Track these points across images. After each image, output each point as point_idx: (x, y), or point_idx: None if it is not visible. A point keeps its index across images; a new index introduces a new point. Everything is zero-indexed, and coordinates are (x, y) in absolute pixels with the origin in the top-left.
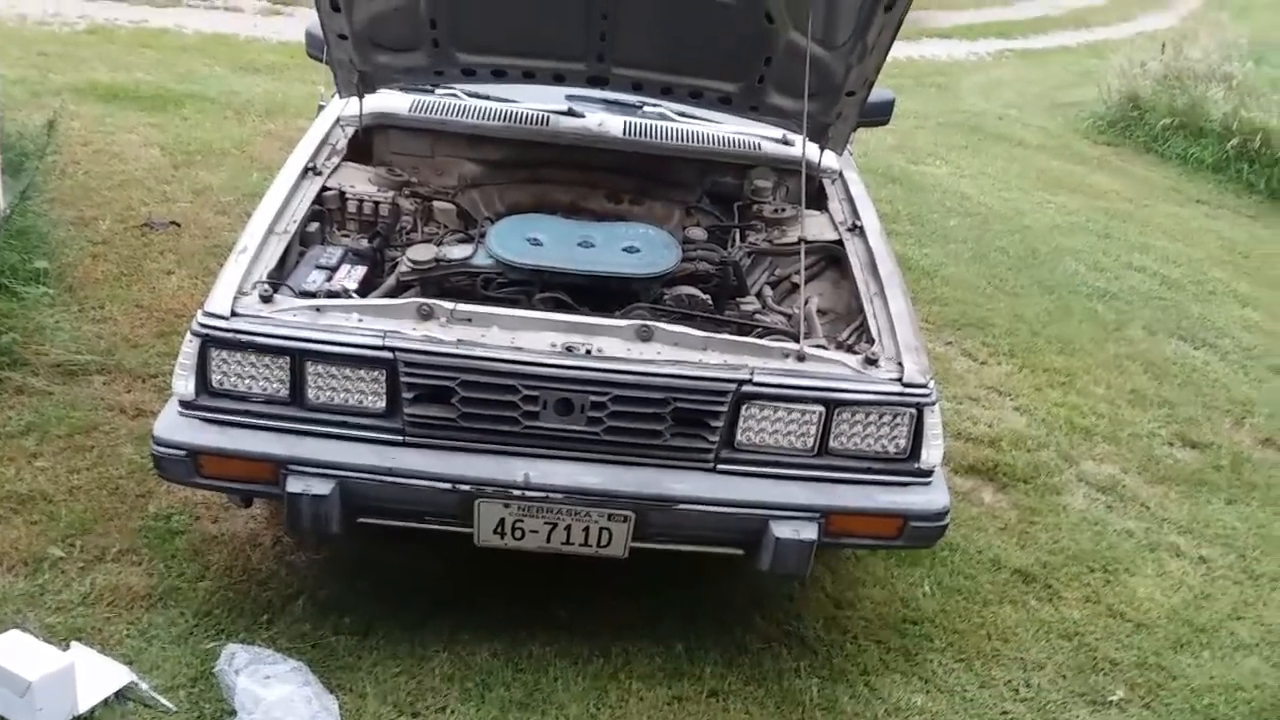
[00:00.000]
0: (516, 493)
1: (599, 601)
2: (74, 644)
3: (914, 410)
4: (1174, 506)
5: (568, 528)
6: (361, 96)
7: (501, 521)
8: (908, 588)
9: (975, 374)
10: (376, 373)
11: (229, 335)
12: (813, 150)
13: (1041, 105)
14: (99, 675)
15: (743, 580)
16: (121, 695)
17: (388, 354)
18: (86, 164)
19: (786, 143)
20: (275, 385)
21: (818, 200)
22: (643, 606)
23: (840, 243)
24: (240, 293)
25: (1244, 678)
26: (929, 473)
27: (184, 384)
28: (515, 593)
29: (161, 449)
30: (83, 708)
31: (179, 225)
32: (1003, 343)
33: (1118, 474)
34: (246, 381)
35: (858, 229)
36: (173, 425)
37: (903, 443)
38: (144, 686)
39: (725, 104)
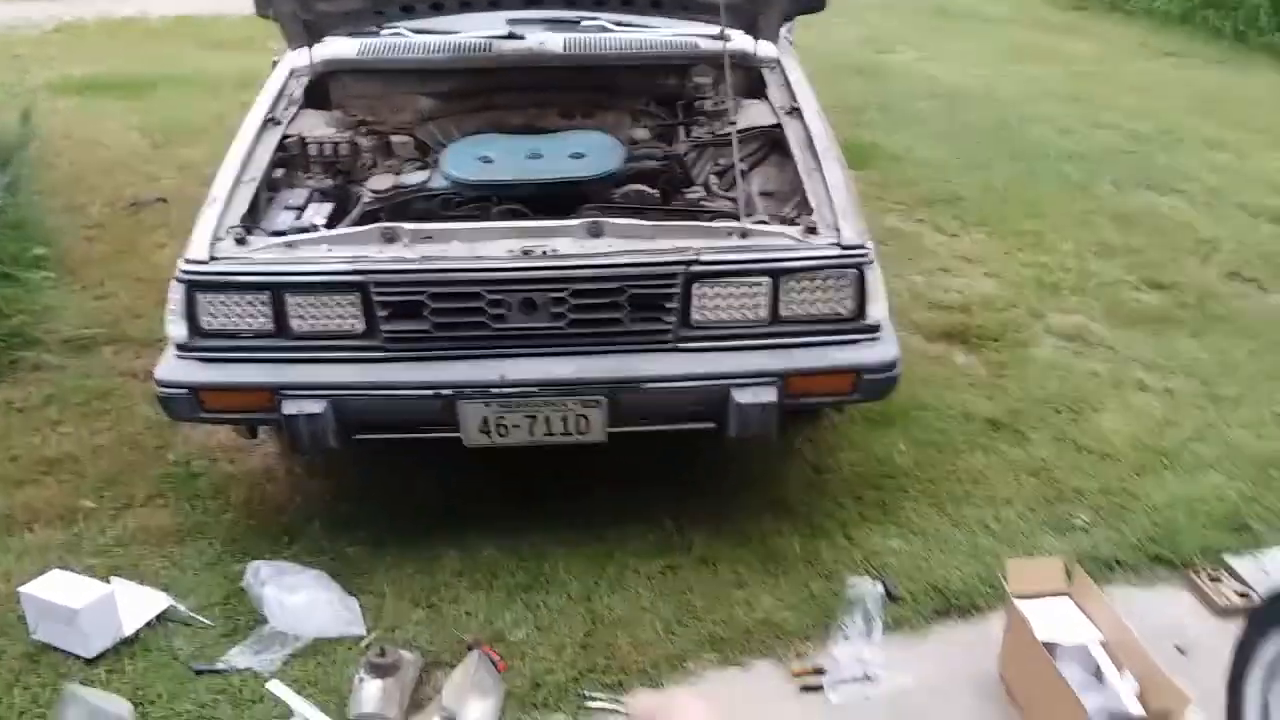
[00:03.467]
0: (495, 391)
1: (591, 492)
2: (113, 578)
3: (855, 270)
4: (1140, 345)
5: (547, 419)
6: (310, 46)
7: (485, 420)
8: (883, 448)
9: (947, 246)
10: (351, 297)
11: (211, 278)
12: (747, 41)
13: None
14: (140, 602)
15: (728, 458)
16: (162, 618)
17: (359, 278)
18: (70, 154)
19: (724, 38)
20: (260, 320)
21: (758, 90)
22: (632, 493)
23: (779, 126)
24: (216, 238)
25: (1205, 491)
26: (876, 328)
27: (176, 328)
28: (514, 494)
29: (165, 389)
30: (127, 631)
31: (166, 201)
32: (972, 214)
33: (1084, 321)
34: (234, 319)
35: (795, 111)
36: (172, 368)
37: (849, 303)
38: (181, 608)
39: (656, 6)
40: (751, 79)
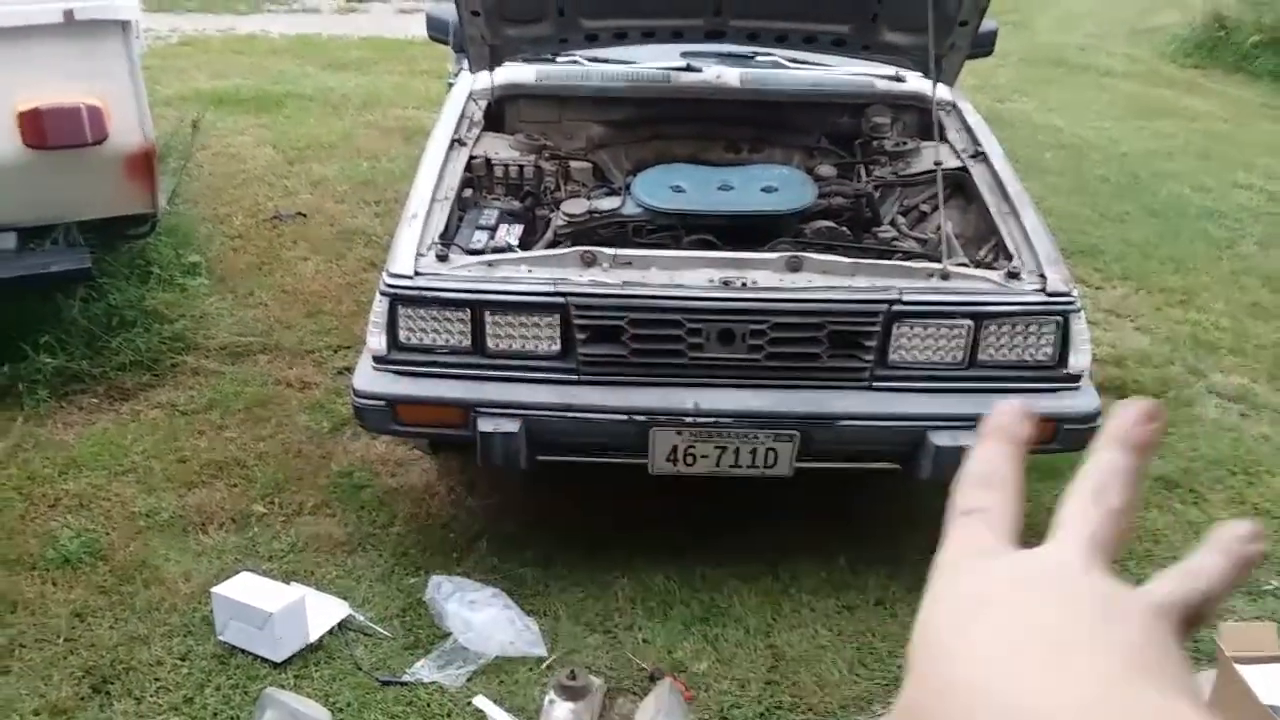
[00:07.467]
0: (689, 420)
1: (760, 525)
2: (293, 584)
3: (1060, 318)
4: None
5: (736, 450)
6: (492, 70)
7: (674, 448)
8: (1052, 499)
9: (1091, 299)
10: (550, 318)
11: (414, 293)
12: (924, 83)
13: (1122, 33)
14: (322, 609)
15: (894, 499)
16: (343, 626)
17: (559, 299)
18: (209, 166)
19: (899, 79)
20: (458, 336)
21: (930, 132)
22: (802, 528)
23: (965, 169)
24: (418, 254)
25: None
26: (1077, 377)
27: (377, 340)
28: (679, 523)
29: (362, 401)
30: (313, 637)
31: (305, 215)
32: (1115, 267)
33: (1248, 383)
34: (431, 335)
35: (980, 155)
36: (369, 379)
37: (1050, 350)
38: (361, 618)
39: (838, 46)
40: (928, 120)
